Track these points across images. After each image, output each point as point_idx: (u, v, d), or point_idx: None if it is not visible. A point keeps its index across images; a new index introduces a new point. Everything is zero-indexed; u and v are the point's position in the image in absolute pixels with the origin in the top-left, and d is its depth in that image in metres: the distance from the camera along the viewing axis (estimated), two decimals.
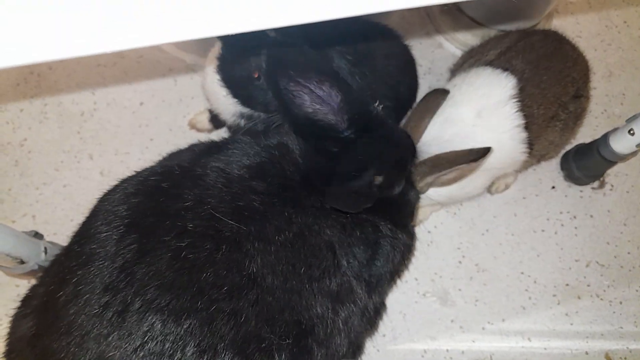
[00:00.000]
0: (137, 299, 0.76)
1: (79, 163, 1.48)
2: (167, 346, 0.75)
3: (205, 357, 0.76)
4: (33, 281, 1.02)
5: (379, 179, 0.93)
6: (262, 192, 0.88)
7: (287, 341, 0.82)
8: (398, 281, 1.17)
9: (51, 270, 0.95)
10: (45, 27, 0.45)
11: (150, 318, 0.76)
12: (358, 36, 1.28)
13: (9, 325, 0.95)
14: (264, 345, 0.80)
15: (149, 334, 0.76)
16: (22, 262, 1.09)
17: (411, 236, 1.07)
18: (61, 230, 1.39)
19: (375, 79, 1.29)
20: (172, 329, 0.76)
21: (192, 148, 1.02)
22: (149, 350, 0.75)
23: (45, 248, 1.16)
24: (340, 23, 1.30)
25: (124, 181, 0.96)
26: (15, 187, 1.44)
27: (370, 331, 1.04)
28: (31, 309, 0.90)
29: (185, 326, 0.76)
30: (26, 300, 0.95)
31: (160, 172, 0.92)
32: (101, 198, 0.96)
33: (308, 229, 0.88)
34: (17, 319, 0.93)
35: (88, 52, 0.48)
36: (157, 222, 0.83)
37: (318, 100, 0.91)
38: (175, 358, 0.75)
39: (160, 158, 1.47)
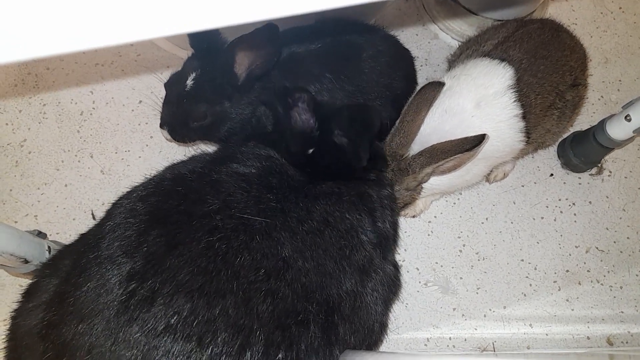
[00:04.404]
0: (167, 284, 0.79)
1: (79, 162, 1.48)
2: (196, 327, 0.77)
3: (241, 336, 0.79)
4: None
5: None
6: (275, 190, 0.96)
7: (320, 316, 0.88)
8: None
9: (61, 264, 0.96)
10: (39, 22, 0.45)
11: (178, 300, 0.78)
12: (339, 41, 1.32)
13: (12, 321, 0.96)
14: (300, 317, 0.85)
15: (177, 316, 0.77)
16: (26, 261, 1.10)
17: (389, 186, 1.16)
18: (63, 229, 1.40)
19: (365, 82, 1.32)
20: (204, 310, 0.78)
21: (197, 158, 1.07)
22: (176, 330, 0.77)
23: (49, 247, 1.17)
24: (321, 29, 1.33)
25: (136, 188, 0.99)
26: (17, 188, 1.44)
27: (396, 292, 1.12)
28: (40, 302, 0.91)
29: (219, 307, 0.79)
30: (31, 294, 0.96)
31: (171, 179, 0.97)
32: (115, 203, 0.99)
33: (331, 215, 0.98)
34: (23, 314, 0.94)
35: (85, 47, 0.48)
36: (183, 220, 0.86)
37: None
38: (206, 339, 0.77)
39: (160, 155, 1.49)
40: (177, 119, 1.25)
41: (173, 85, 1.26)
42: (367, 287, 0.99)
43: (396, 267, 1.13)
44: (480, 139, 1.09)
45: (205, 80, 1.21)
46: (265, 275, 0.84)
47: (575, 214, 1.52)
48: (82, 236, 1.03)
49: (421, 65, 1.67)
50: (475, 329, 1.36)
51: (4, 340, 0.95)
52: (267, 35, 1.11)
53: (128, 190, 1.00)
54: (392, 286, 1.09)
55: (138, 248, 0.84)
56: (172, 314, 0.78)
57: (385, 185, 1.15)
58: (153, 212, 0.89)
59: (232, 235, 0.85)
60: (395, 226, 1.15)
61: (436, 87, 1.21)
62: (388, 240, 1.09)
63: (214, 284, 0.80)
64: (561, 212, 1.52)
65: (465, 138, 1.10)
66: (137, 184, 1.00)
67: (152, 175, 1.03)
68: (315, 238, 0.93)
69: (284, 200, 0.95)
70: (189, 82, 1.21)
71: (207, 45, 1.23)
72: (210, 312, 0.78)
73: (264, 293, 0.83)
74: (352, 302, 0.95)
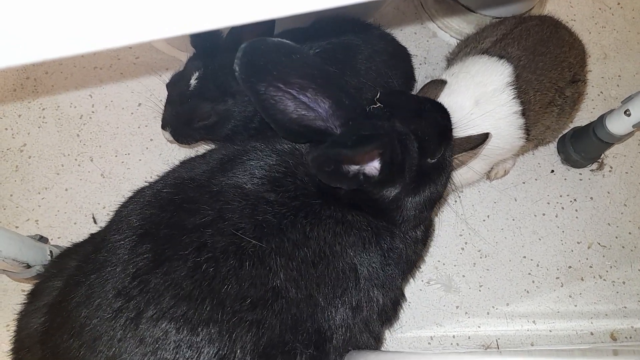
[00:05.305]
0: (151, 306, 0.77)
1: (79, 166, 1.48)
2: (180, 354, 0.76)
3: None
4: None
5: (372, 170, 0.87)
6: (274, 204, 0.86)
7: (310, 350, 0.84)
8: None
9: (67, 265, 0.96)
10: (38, 26, 0.45)
11: (163, 326, 0.77)
12: (335, 44, 1.30)
13: (18, 319, 0.96)
14: (287, 348, 0.82)
15: (160, 341, 0.76)
16: (28, 266, 1.10)
17: (424, 230, 1.05)
18: (65, 233, 1.40)
19: (361, 84, 1.31)
20: (187, 337, 0.77)
21: (207, 159, 0.98)
22: (160, 357, 0.76)
23: (51, 251, 1.17)
24: (318, 30, 1.30)
25: (138, 192, 0.97)
26: (17, 193, 1.44)
27: (389, 323, 1.06)
28: (43, 305, 0.91)
29: (202, 335, 0.77)
30: (35, 295, 0.96)
31: (173, 184, 0.91)
32: (117, 210, 0.98)
33: (330, 248, 0.86)
34: (28, 314, 0.94)
35: (84, 50, 0.48)
36: (173, 235, 0.82)
37: (303, 107, 0.84)
38: None
39: (160, 158, 1.49)
40: (180, 119, 1.24)
41: (176, 85, 1.25)
42: (359, 320, 0.93)
43: (396, 304, 1.05)
44: (483, 138, 1.08)
45: (209, 78, 1.20)
46: (251, 305, 0.79)
47: (576, 210, 1.52)
48: (92, 236, 1.03)
49: (420, 64, 1.67)
50: (479, 327, 1.36)
51: (12, 341, 0.95)
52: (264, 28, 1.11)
53: (130, 195, 0.99)
54: (385, 320, 1.02)
55: (128, 263, 0.81)
56: (156, 338, 0.77)
57: (419, 241, 1.02)
58: (145, 226, 0.86)
59: (220, 258, 0.80)
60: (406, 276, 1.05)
61: (438, 85, 1.20)
62: (395, 281, 0.98)
63: (198, 312, 0.78)
64: (562, 208, 1.52)
65: (468, 137, 1.10)
66: (140, 188, 0.99)
67: (162, 174, 1.00)
68: (309, 269, 0.84)
69: (282, 217, 0.85)
70: (193, 81, 1.21)
71: (208, 44, 1.22)
72: (193, 339, 0.77)
73: (248, 323, 0.79)
74: (344, 334, 0.90)
